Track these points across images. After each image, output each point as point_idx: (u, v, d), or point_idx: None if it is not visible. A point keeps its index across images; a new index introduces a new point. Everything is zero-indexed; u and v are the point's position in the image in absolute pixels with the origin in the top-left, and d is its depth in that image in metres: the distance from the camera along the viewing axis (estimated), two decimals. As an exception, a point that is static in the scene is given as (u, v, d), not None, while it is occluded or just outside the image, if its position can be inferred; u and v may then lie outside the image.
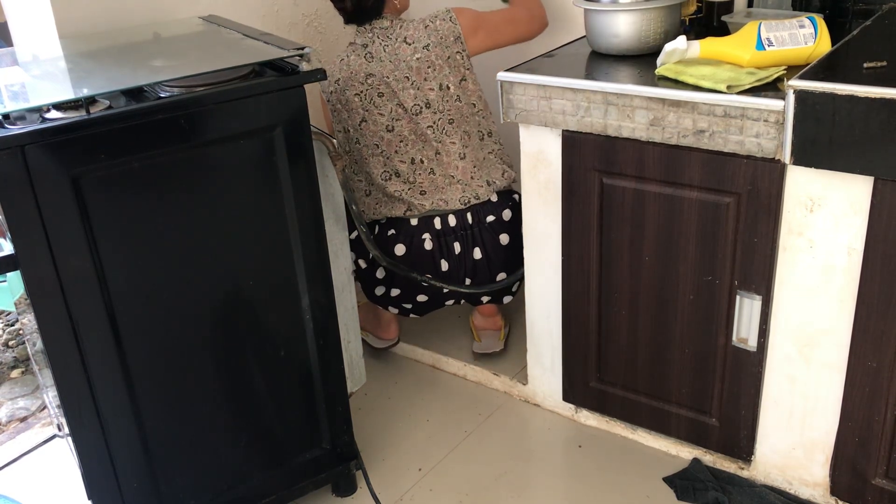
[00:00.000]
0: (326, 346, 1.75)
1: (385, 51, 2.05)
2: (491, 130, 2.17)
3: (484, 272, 2.17)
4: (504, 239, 2.15)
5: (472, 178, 2.12)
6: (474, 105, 2.12)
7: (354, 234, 2.10)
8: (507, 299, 2.30)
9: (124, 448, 1.56)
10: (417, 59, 2.04)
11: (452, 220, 2.13)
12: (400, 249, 2.13)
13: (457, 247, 2.14)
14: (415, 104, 2.06)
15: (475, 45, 2.08)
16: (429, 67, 2.05)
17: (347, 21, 2.11)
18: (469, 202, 2.12)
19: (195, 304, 1.56)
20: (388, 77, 2.05)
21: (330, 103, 2.13)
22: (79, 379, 1.47)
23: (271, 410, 1.73)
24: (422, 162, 2.10)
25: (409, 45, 2.05)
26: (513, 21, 2.12)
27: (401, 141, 2.09)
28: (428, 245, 2.12)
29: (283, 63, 1.58)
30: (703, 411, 1.84)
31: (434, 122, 2.07)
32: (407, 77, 2.05)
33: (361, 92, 2.07)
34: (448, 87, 2.07)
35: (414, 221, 2.12)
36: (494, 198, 2.14)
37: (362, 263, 2.21)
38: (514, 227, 2.11)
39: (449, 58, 2.06)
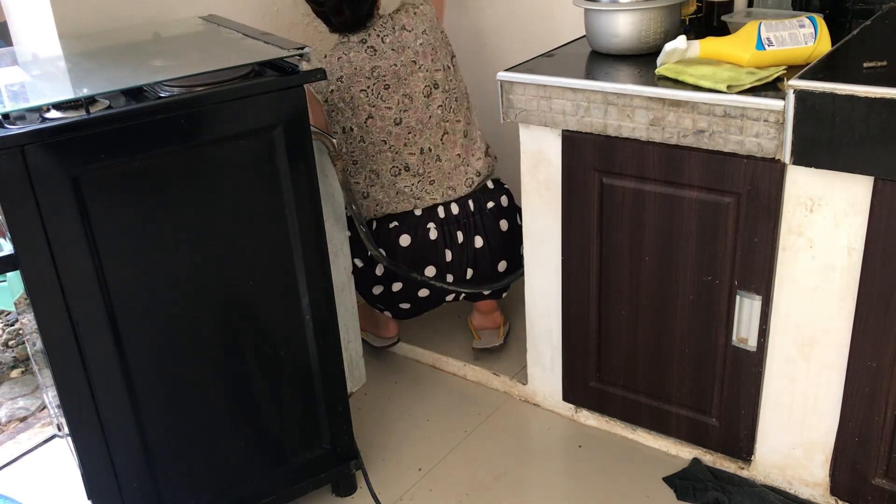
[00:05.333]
0: (326, 346, 1.75)
1: (385, 41, 2.07)
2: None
3: (485, 261, 2.18)
4: (503, 225, 2.18)
5: (471, 154, 2.17)
6: (462, 82, 2.22)
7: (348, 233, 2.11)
8: (504, 293, 2.31)
9: (124, 448, 1.56)
10: (420, 43, 2.08)
11: (455, 209, 2.15)
12: (405, 240, 2.13)
13: (459, 236, 2.15)
14: (425, 86, 2.09)
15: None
16: (432, 50, 2.10)
17: (343, 30, 2.08)
18: (473, 183, 2.16)
19: (195, 304, 1.56)
20: (395, 65, 2.07)
21: (329, 103, 2.11)
22: (79, 379, 1.47)
23: (271, 410, 1.73)
24: (430, 150, 2.13)
25: (409, 31, 2.09)
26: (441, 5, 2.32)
27: (409, 133, 2.10)
28: (433, 234, 2.13)
29: (283, 63, 1.58)
30: (703, 411, 1.84)
31: (444, 102, 2.12)
32: (414, 62, 2.08)
33: (368, 87, 2.07)
34: (449, 67, 2.14)
35: (418, 212, 2.14)
36: (491, 184, 2.20)
37: (358, 262, 2.20)
38: (511, 212, 2.20)
39: (441, 37, 2.15)
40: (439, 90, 2.11)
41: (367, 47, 2.07)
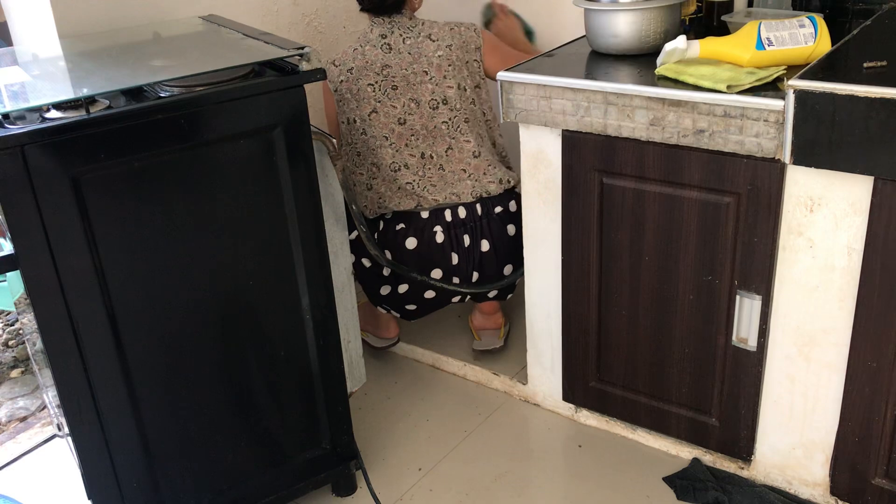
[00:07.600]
0: (326, 346, 1.75)
1: (405, 43, 2.08)
2: (496, 141, 2.24)
3: (491, 265, 2.18)
4: (511, 230, 2.17)
5: (483, 174, 2.15)
6: (484, 114, 2.19)
7: (354, 233, 2.10)
8: (509, 295, 2.31)
9: (124, 448, 1.56)
10: (439, 56, 2.08)
11: (462, 212, 2.14)
12: (411, 243, 2.13)
13: (466, 239, 2.15)
14: (432, 99, 2.09)
15: (489, 65, 2.16)
16: (449, 66, 2.09)
17: (370, 10, 2.11)
18: (480, 196, 2.15)
19: (195, 304, 1.56)
20: (405, 70, 2.07)
21: (338, 93, 2.12)
22: (79, 379, 1.47)
23: (271, 410, 1.73)
24: (431, 157, 2.12)
25: (434, 41, 2.09)
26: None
27: (412, 135, 2.11)
28: (439, 238, 2.13)
29: (283, 63, 1.58)
30: (703, 411, 1.84)
31: (450, 119, 2.11)
32: (426, 72, 2.08)
33: (376, 82, 2.08)
34: (465, 89, 2.12)
35: (424, 214, 2.13)
36: (501, 191, 2.18)
37: (366, 262, 2.20)
38: (520, 217, 2.18)
39: (467, 62, 2.12)
40: (447, 107, 2.10)
41: (384, 44, 2.08)
